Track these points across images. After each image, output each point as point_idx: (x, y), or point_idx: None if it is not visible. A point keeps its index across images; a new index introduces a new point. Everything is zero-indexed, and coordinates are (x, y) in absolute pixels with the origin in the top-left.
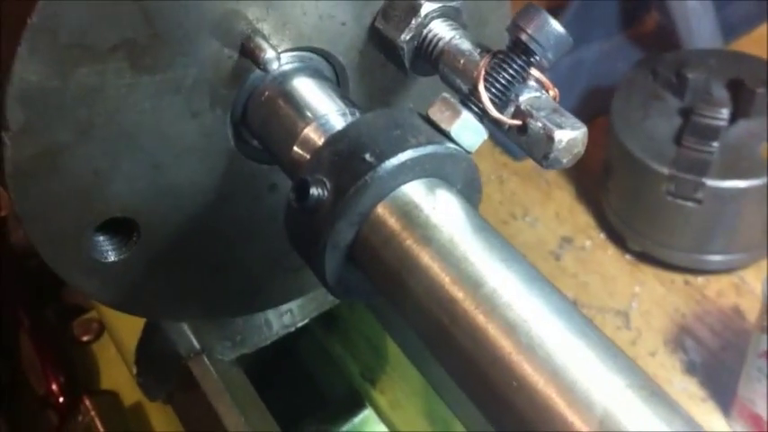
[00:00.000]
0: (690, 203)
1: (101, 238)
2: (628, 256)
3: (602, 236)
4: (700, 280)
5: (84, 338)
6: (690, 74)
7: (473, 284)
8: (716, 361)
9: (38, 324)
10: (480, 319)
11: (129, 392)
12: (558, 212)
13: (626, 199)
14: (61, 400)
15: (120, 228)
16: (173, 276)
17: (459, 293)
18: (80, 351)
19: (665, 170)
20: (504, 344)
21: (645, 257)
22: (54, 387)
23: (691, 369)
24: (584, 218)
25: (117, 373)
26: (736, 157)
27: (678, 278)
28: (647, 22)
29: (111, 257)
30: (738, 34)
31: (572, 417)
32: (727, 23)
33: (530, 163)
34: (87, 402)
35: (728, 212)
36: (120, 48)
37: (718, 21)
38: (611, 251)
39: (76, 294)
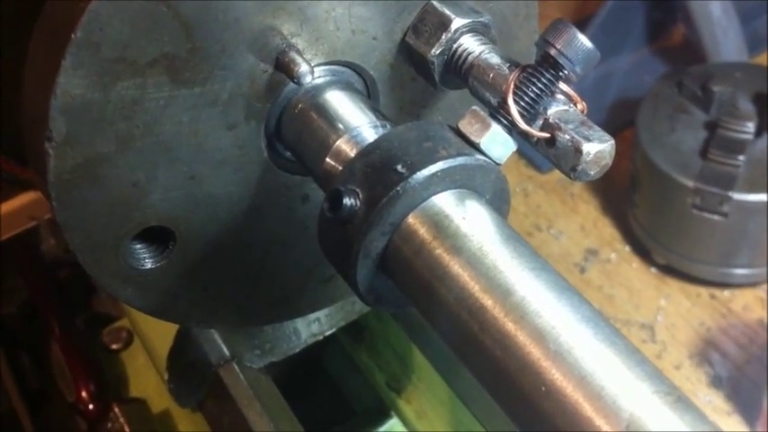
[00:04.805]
0: (715, 217)
1: (138, 246)
2: (653, 269)
3: (628, 249)
4: (725, 293)
5: (114, 347)
6: (715, 87)
7: (502, 292)
8: (741, 375)
9: (68, 332)
10: (510, 326)
11: (158, 400)
12: (583, 225)
13: (651, 212)
14: (91, 407)
15: (156, 236)
16: (206, 284)
17: (488, 301)
18: (109, 359)
19: (691, 183)
20: (534, 350)
21: (670, 270)
22: (84, 394)
23: (716, 383)
24: (609, 230)
25: (145, 380)
26: (762, 170)
27: (704, 291)
28: (673, 35)
29: (148, 265)
30: (764, 48)
31: (599, 421)
32: (752, 37)
33: (555, 176)
34: (116, 410)
35: (754, 226)
36: (159, 62)
37: (743, 34)
38: (637, 264)
39: (106, 303)
